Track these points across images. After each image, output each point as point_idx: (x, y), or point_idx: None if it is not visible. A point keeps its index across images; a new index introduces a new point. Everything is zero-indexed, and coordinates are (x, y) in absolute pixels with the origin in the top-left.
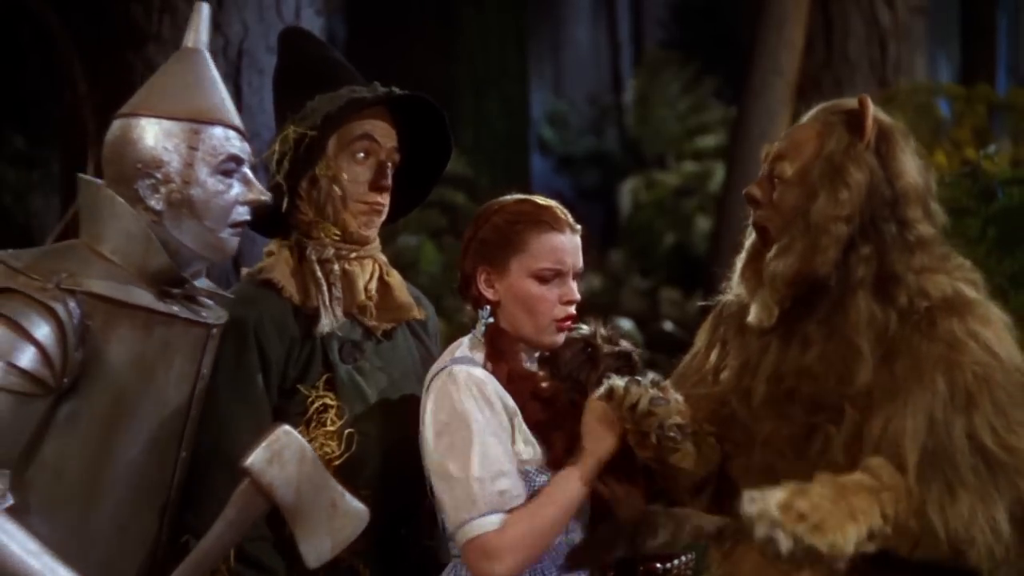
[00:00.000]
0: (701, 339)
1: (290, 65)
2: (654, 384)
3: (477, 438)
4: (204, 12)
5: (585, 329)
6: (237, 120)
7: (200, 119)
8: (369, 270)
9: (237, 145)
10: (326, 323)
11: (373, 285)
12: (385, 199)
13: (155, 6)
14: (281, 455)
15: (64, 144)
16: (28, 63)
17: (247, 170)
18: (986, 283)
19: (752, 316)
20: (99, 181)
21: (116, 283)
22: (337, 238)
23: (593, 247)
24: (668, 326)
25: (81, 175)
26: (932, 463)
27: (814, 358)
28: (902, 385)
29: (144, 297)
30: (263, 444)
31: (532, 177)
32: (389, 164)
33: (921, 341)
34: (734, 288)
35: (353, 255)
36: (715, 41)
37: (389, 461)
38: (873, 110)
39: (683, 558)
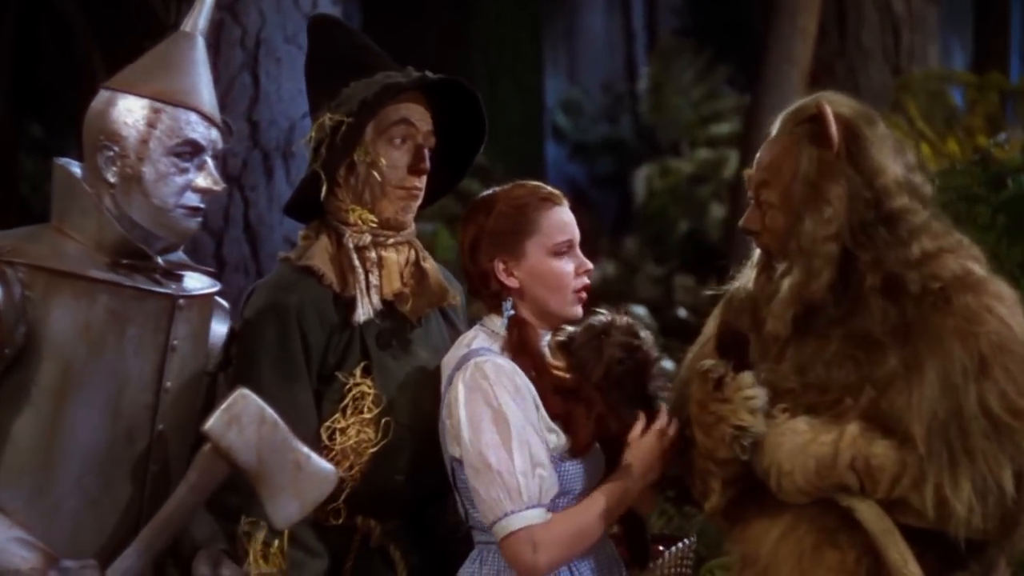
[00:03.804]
0: (711, 327)
1: (322, 53)
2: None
3: (516, 431)
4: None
5: (603, 316)
6: (208, 107)
7: (163, 99)
8: (405, 256)
9: (199, 131)
10: (362, 312)
11: (409, 271)
12: (423, 183)
13: None
14: (240, 419)
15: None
16: (46, 53)
17: (207, 158)
18: (996, 270)
19: (768, 325)
20: (63, 161)
21: (60, 254)
22: (374, 225)
23: (607, 234)
24: (682, 313)
25: (56, 159)
26: (941, 432)
27: (834, 352)
28: (923, 359)
29: (86, 266)
30: (221, 408)
31: (546, 164)
32: (426, 148)
33: (939, 317)
34: (744, 280)
35: (391, 241)
36: (728, 29)
37: (423, 446)
38: (832, 111)
39: (685, 541)
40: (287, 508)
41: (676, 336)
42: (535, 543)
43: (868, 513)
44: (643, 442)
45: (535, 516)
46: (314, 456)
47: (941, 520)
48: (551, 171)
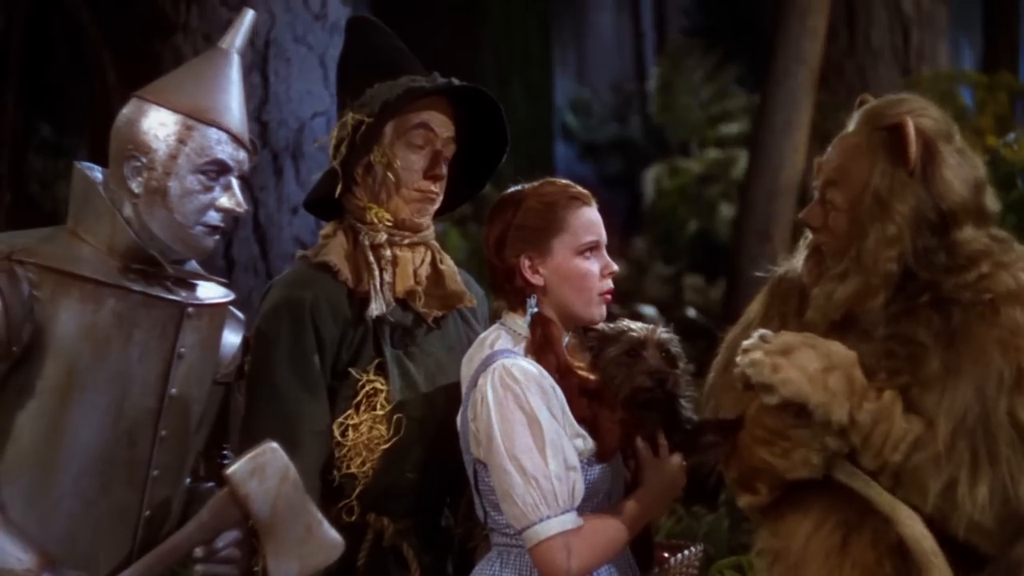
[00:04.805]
0: (755, 309)
1: (353, 53)
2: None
3: (549, 435)
4: (248, 18)
5: (638, 329)
6: (238, 128)
7: (196, 116)
8: (420, 256)
9: (227, 151)
10: (375, 307)
11: (423, 271)
12: (438, 188)
13: None
14: (264, 470)
15: (91, 133)
16: (56, 52)
17: (233, 178)
18: None
19: (809, 315)
20: (84, 165)
21: (72, 257)
22: (390, 224)
23: (616, 234)
24: (691, 313)
25: (76, 163)
26: (967, 435)
27: (875, 348)
28: (963, 364)
29: (96, 270)
30: (248, 455)
31: (556, 164)
32: (444, 154)
33: (984, 327)
34: (794, 264)
35: (406, 241)
36: (738, 29)
37: (435, 445)
38: (914, 126)
39: (692, 549)
40: (287, 567)
41: (685, 336)
42: (570, 549)
43: (912, 530)
44: (668, 467)
45: (570, 520)
46: (325, 524)
47: (942, 511)
48: (560, 171)
